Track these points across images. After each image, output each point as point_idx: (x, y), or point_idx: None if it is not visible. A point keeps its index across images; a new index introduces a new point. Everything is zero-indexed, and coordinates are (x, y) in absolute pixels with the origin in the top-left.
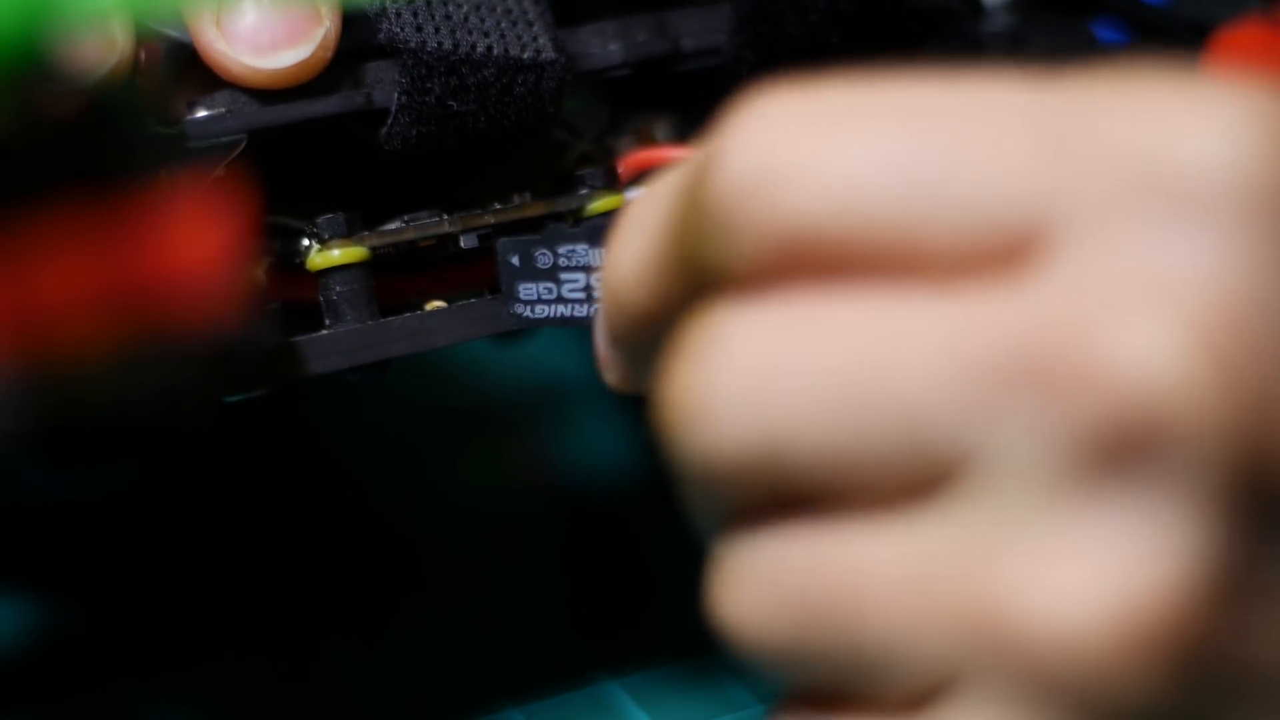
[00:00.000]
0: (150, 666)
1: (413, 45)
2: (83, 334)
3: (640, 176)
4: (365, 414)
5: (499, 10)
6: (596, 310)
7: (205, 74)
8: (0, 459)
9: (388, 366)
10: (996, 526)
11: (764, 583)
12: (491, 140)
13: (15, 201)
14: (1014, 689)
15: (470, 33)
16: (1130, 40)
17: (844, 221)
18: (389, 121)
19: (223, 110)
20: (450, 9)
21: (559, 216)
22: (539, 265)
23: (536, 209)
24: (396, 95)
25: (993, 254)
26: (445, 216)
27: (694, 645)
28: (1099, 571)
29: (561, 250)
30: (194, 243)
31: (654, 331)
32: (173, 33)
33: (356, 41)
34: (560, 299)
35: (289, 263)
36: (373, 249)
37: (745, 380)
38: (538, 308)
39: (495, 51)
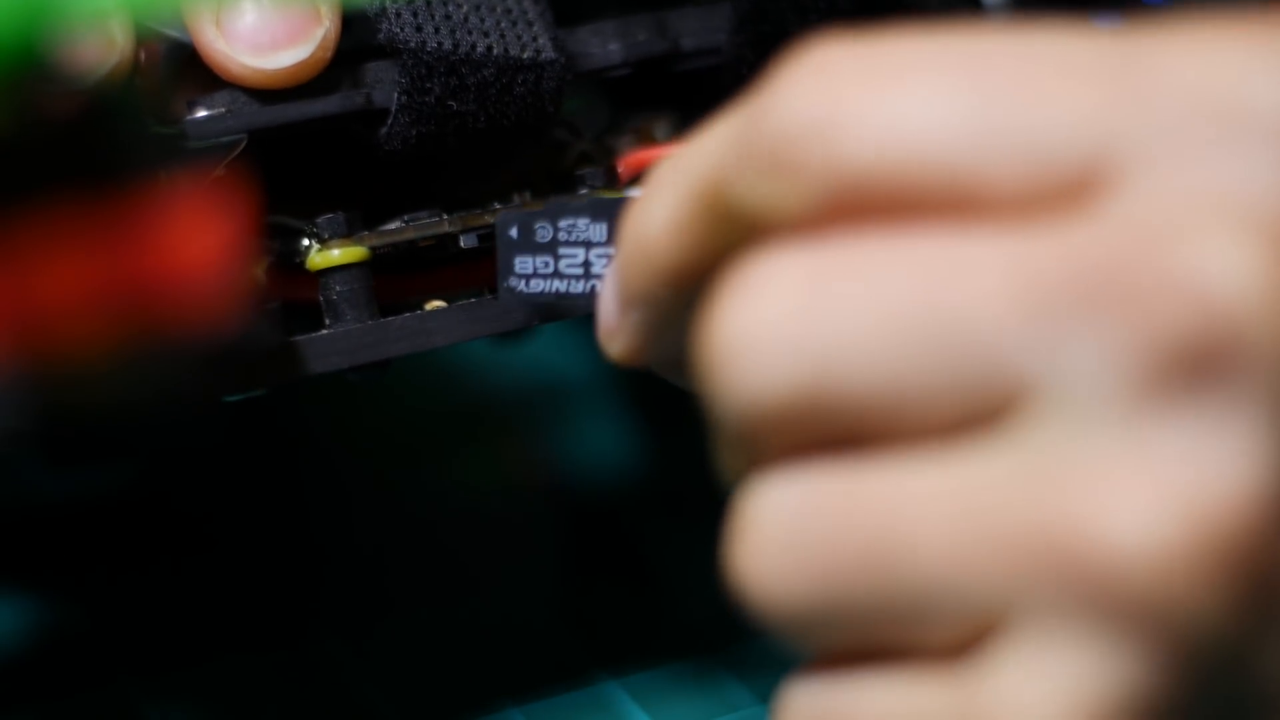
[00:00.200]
0: (150, 666)
1: (412, 45)
2: (82, 334)
3: (640, 176)
4: (365, 414)
5: (499, 10)
6: (594, 287)
7: (205, 74)
8: (0, 459)
9: (387, 366)
10: (1059, 452)
11: (795, 530)
12: (491, 140)
13: (15, 201)
14: (1074, 619)
15: (470, 32)
16: None
17: (905, 165)
18: (389, 121)
19: (222, 110)
20: (450, 9)
21: None
22: (538, 239)
23: (536, 208)
24: (396, 95)
25: (1057, 193)
26: (445, 216)
27: (694, 645)
28: (1169, 487)
29: (562, 224)
30: (194, 242)
31: (684, 287)
32: (172, 33)
33: (356, 41)
34: (557, 274)
35: (289, 262)
36: (372, 249)
37: (796, 316)
38: (533, 282)
39: (495, 51)
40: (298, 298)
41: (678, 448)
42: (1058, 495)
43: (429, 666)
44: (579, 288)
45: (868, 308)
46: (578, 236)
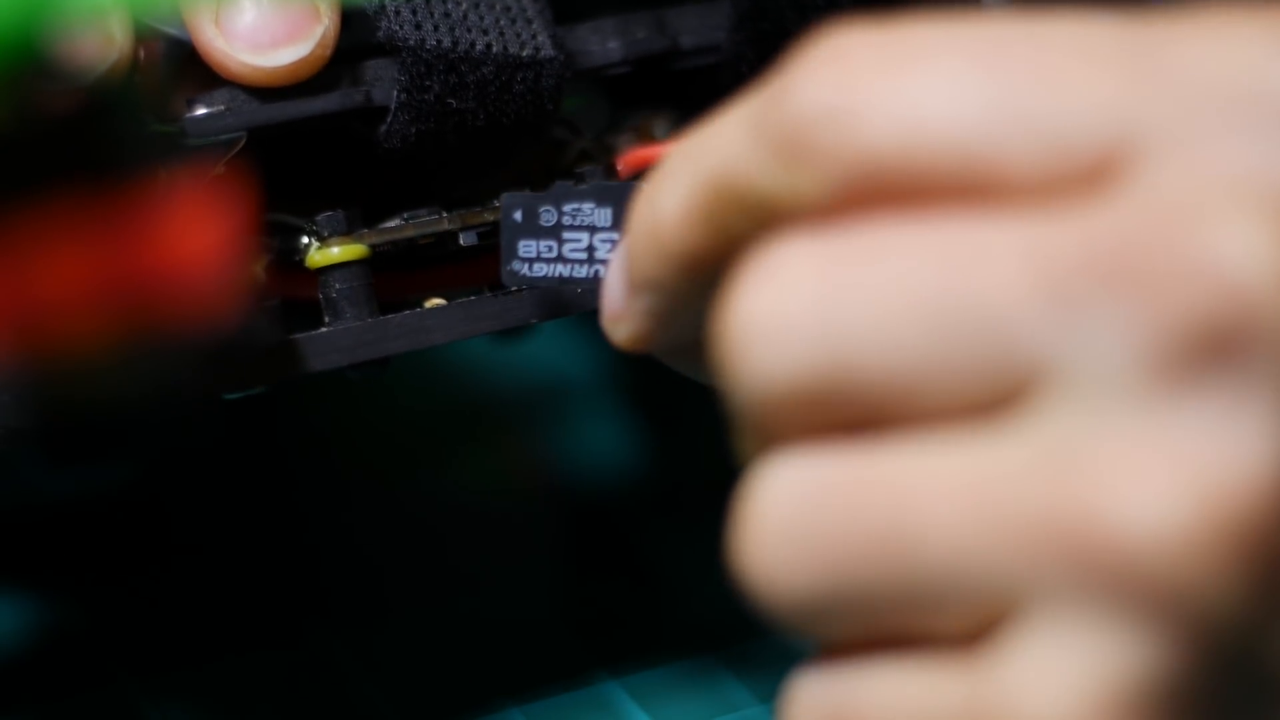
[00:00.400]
0: (150, 666)
1: (412, 43)
2: (82, 331)
3: (639, 173)
4: (365, 412)
5: (498, 8)
6: (597, 272)
7: (204, 72)
8: (0, 458)
9: (387, 364)
10: (1075, 436)
11: (804, 514)
12: (491, 138)
13: (15, 198)
14: (1090, 604)
15: (469, 30)
16: None
17: (923, 152)
18: (388, 119)
19: (222, 108)
20: (449, 6)
21: None
22: (542, 223)
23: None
24: (396, 93)
25: (1075, 178)
26: (445, 214)
27: (694, 645)
28: (1186, 471)
29: (567, 208)
30: (193, 240)
31: (695, 274)
32: (172, 30)
33: (355, 39)
34: (560, 258)
35: (288, 260)
36: (372, 246)
37: (814, 301)
38: (536, 266)
39: (494, 49)
40: (297, 295)
41: (677, 447)
42: (1073, 479)
43: (429, 666)
44: (582, 272)
45: (886, 293)
46: (582, 221)
